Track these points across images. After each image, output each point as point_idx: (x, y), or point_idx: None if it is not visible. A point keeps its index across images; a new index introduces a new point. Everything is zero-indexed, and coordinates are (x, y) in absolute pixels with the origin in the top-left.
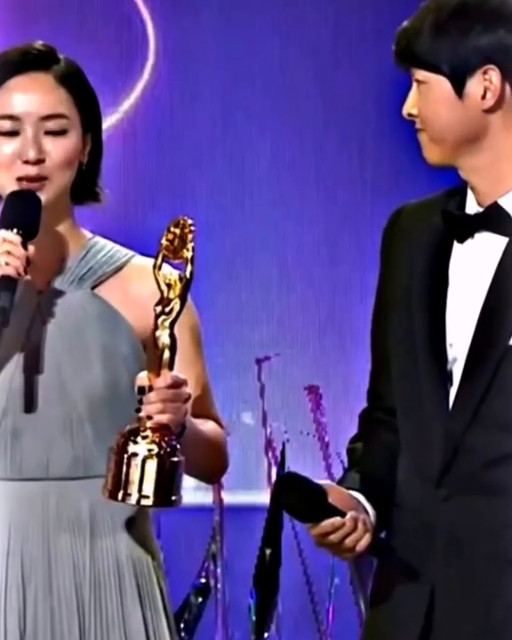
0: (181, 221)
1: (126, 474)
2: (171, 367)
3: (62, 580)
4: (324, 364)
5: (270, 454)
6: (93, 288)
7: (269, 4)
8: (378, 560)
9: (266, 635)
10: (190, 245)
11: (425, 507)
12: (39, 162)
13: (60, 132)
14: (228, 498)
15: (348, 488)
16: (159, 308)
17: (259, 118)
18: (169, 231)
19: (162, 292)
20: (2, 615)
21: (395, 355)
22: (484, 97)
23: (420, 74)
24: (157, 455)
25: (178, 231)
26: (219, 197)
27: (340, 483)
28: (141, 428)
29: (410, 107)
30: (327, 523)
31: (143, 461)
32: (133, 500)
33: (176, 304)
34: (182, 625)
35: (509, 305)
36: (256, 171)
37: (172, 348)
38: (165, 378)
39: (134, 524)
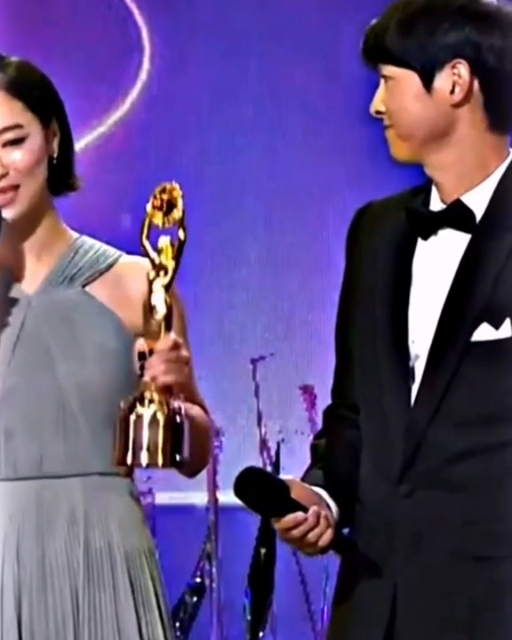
0: (168, 187)
1: (134, 438)
2: (168, 330)
3: (57, 577)
4: (319, 363)
5: (265, 454)
6: (84, 286)
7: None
8: (341, 557)
9: (261, 634)
10: (180, 207)
11: (386, 503)
12: (4, 175)
13: (19, 141)
14: (223, 498)
15: (311, 484)
16: (153, 274)
17: (253, 121)
18: (155, 198)
19: (152, 259)
20: None
21: (358, 351)
22: (452, 91)
23: (388, 69)
24: (163, 416)
25: (165, 197)
26: (213, 197)
27: (302, 479)
28: (146, 392)
29: (377, 104)
30: (289, 517)
31: (149, 424)
32: (143, 460)
33: (170, 267)
34: (177, 624)
35: (471, 301)
36: (250, 170)
37: (169, 310)
38: (166, 340)
39: (129, 520)
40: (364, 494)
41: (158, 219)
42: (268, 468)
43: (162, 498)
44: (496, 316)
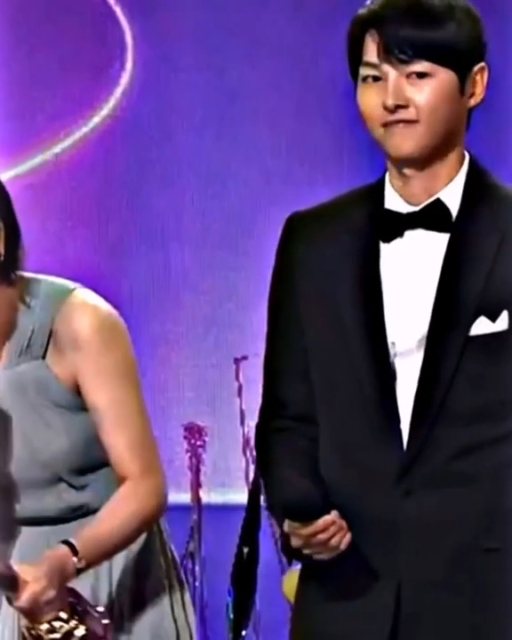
0: None
1: None
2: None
3: None
4: None
5: (248, 453)
6: (43, 357)
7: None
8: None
9: (243, 633)
10: None
11: (382, 504)
12: None
13: None
14: (206, 497)
15: None
16: None
17: (239, 123)
18: None
19: None
20: None
21: (322, 359)
22: (472, 94)
23: (425, 65)
24: None
25: None
26: (200, 201)
27: None
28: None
29: (399, 97)
30: (321, 521)
31: None
32: None
33: None
34: None
35: (465, 297)
36: (237, 176)
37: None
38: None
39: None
40: (343, 496)
41: None
42: (251, 468)
43: None
44: (492, 309)
